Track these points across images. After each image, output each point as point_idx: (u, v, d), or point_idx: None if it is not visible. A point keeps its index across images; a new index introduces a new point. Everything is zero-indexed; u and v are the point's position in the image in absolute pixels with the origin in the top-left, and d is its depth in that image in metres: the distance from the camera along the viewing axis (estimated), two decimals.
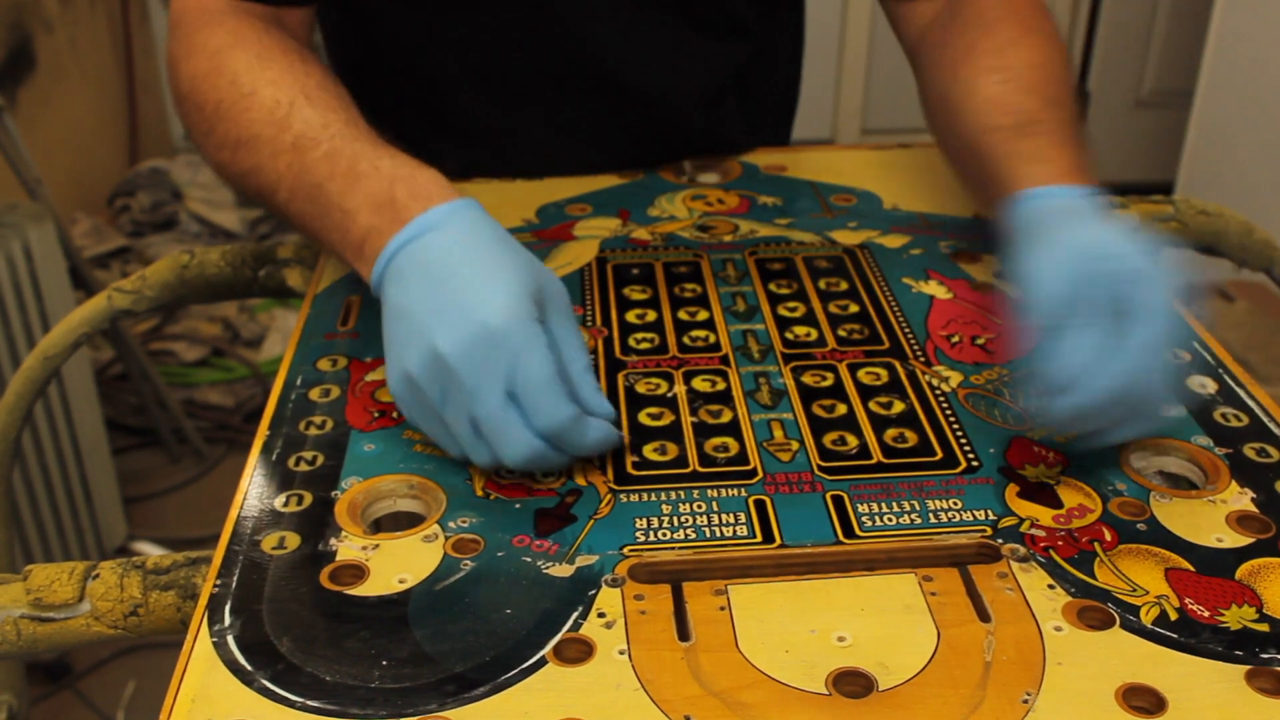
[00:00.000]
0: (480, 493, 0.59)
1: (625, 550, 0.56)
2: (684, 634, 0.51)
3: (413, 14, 0.88)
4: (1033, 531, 0.57)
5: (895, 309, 0.76)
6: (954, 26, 0.82)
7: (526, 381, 0.56)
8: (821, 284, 0.79)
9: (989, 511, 0.58)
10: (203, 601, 0.53)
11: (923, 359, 0.71)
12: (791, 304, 0.77)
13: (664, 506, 0.59)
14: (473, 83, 0.91)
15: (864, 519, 0.58)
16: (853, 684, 0.48)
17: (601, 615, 0.52)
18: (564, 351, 0.60)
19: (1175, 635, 0.51)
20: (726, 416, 0.66)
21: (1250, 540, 0.56)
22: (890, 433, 0.64)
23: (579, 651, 0.50)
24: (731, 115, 0.97)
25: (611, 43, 0.89)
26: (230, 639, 0.50)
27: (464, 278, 0.59)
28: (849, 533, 0.57)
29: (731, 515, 0.58)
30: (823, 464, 0.61)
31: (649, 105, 0.93)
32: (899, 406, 0.66)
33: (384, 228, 0.63)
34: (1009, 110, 0.73)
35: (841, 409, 0.66)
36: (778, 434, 0.64)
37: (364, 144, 0.67)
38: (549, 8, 0.86)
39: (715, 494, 0.60)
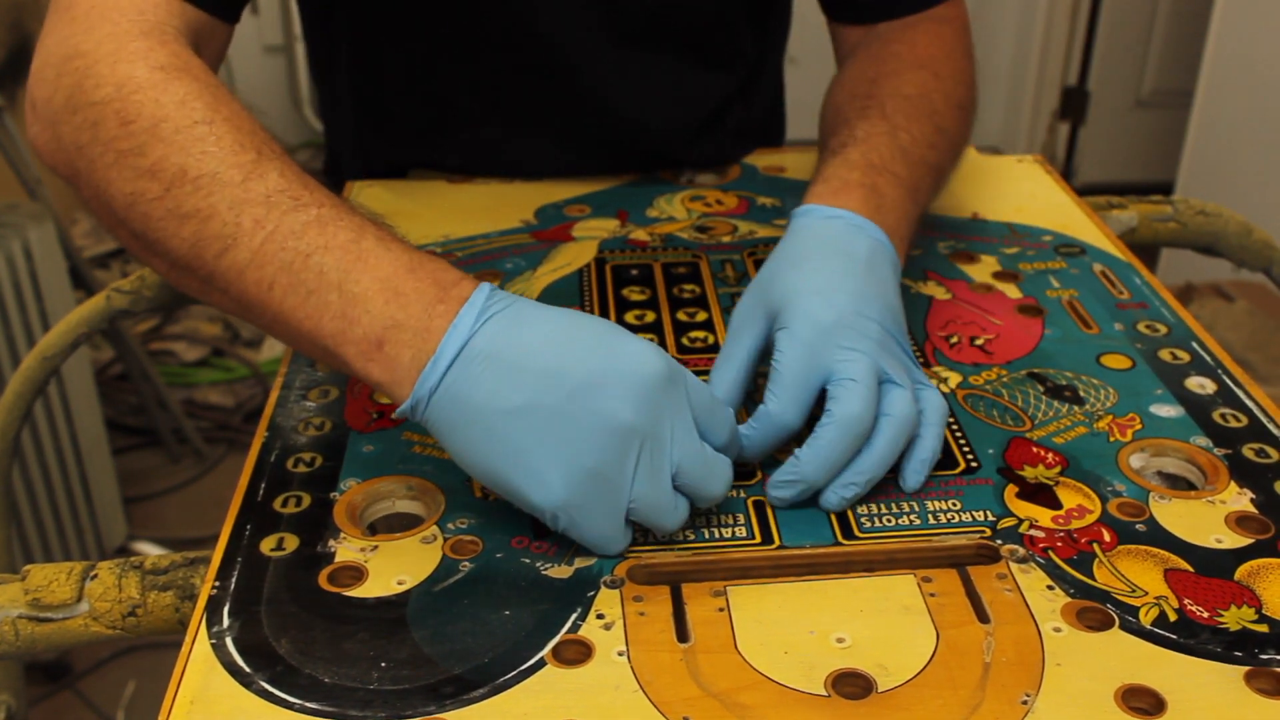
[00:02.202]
0: (479, 494, 0.59)
1: (624, 551, 0.56)
2: (683, 635, 0.51)
3: (417, 49, 0.88)
4: (1032, 532, 0.57)
5: None
6: (862, 54, 0.84)
7: (701, 404, 0.55)
8: None
9: (988, 512, 0.58)
10: (201, 603, 0.53)
11: (921, 360, 0.71)
12: None
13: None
14: (477, 110, 0.91)
15: (863, 520, 0.58)
16: (852, 685, 0.48)
17: (600, 617, 0.52)
18: None
19: (1174, 636, 0.50)
20: None
21: (1249, 541, 0.56)
22: None
23: (578, 653, 0.50)
24: (727, 135, 0.97)
25: (613, 80, 0.89)
26: (229, 640, 0.50)
27: (592, 345, 0.53)
28: (848, 534, 0.57)
29: (730, 516, 0.58)
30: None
31: (651, 136, 0.93)
32: None
33: (413, 324, 0.53)
34: (843, 133, 0.74)
35: None
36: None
37: (360, 217, 0.57)
38: (552, 49, 0.87)
39: None
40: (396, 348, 0.53)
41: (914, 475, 0.59)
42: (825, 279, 0.62)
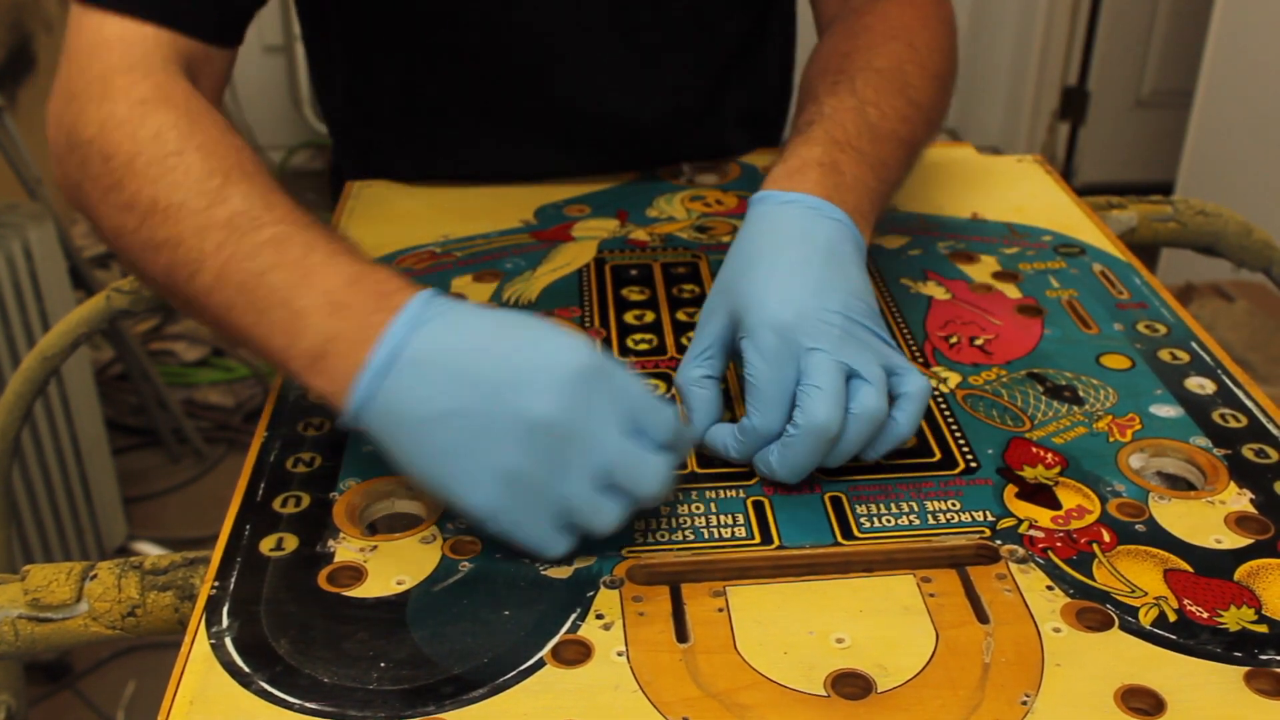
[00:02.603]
0: None
1: (623, 551, 0.56)
2: (682, 635, 0.51)
3: (409, 62, 0.89)
4: (1031, 533, 0.57)
5: (893, 310, 0.76)
6: (838, 28, 0.83)
7: (635, 403, 0.54)
8: None
9: (987, 513, 0.58)
10: (200, 603, 0.53)
11: (921, 360, 0.71)
12: None
13: (662, 508, 0.59)
14: (471, 119, 0.91)
15: (862, 520, 0.58)
16: (851, 685, 0.48)
17: (600, 617, 0.52)
18: None
19: (1174, 636, 0.50)
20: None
21: (1249, 541, 0.56)
22: None
23: (577, 653, 0.50)
24: (726, 124, 0.97)
25: (601, 74, 0.89)
26: (228, 641, 0.50)
27: (512, 345, 0.54)
28: (847, 534, 0.57)
29: (730, 516, 0.58)
30: (821, 465, 0.61)
31: (646, 127, 0.93)
32: None
33: (350, 336, 0.54)
34: (810, 110, 0.73)
35: None
36: None
37: (315, 232, 0.58)
38: (539, 47, 0.87)
39: (713, 495, 0.60)
40: (335, 359, 0.54)
41: (873, 451, 0.60)
42: (782, 276, 0.61)
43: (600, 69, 0.88)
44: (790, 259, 0.62)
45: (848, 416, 0.58)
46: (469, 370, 0.53)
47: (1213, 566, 0.54)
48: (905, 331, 0.74)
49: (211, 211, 0.58)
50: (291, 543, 0.56)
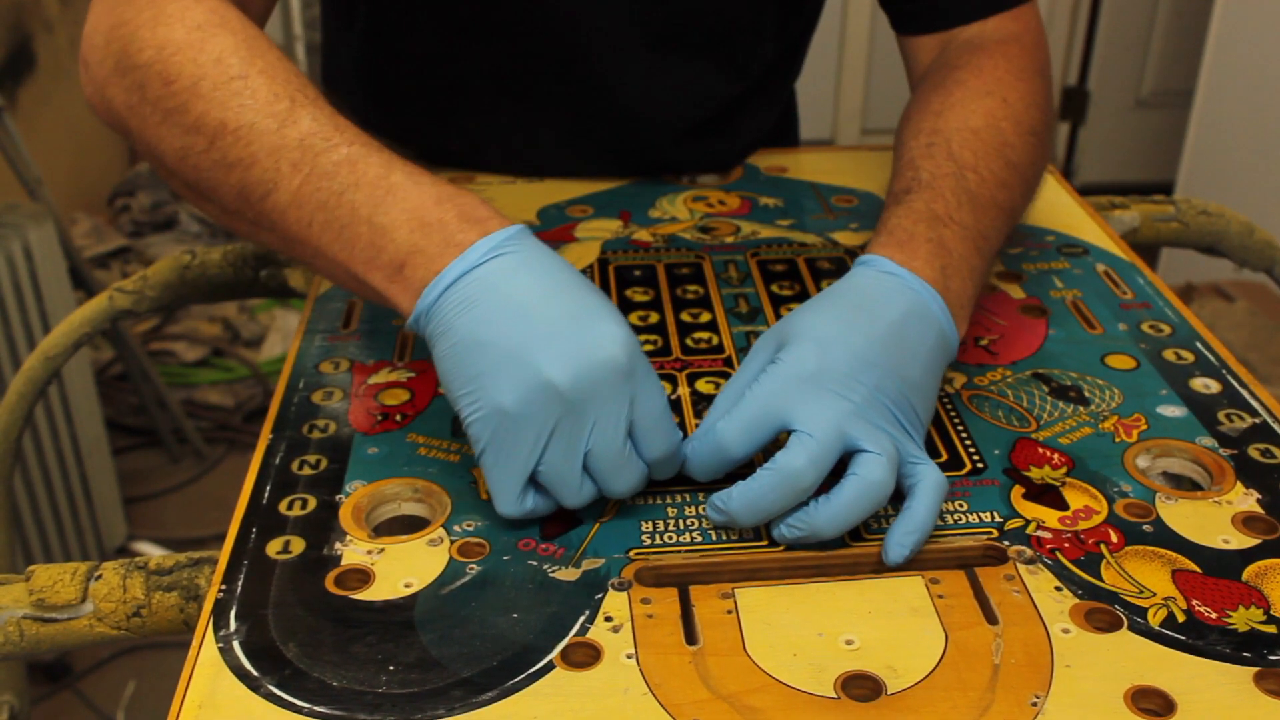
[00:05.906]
0: (485, 496, 0.59)
1: (631, 554, 0.56)
2: (691, 637, 0.51)
3: (433, 28, 0.88)
4: (1039, 533, 0.57)
5: None
6: (929, 82, 0.80)
7: (647, 414, 0.55)
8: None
9: (995, 513, 0.58)
10: (208, 607, 0.52)
11: None
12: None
13: (669, 509, 0.59)
14: (487, 97, 0.91)
15: (870, 521, 0.58)
16: (861, 687, 0.48)
17: (608, 619, 0.52)
18: None
19: (1183, 637, 0.50)
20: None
21: (1257, 541, 0.56)
22: None
23: (586, 656, 0.50)
24: (739, 145, 0.97)
25: (629, 78, 0.88)
26: (236, 644, 0.50)
27: (566, 309, 0.55)
28: (855, 535, 0.57)
29: None
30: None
31: (662, 137, 0.93)
32: None
33: (433, 250, 0.57)
34: (907, 175, 0.70)
35: None
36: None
37: (387, 153, 0.60)
38: (571, 42, 0.86)
39: None
40: (414, 270, 0.57)
41: (897, 547, 0.54)
42: (836, 330, 0.59)
43: (626, 69, 0.88)
44: (853, 321, 0.60)
45: (850, 478, 0.55)
46: (517, 315, 0.55)
47: (1221, 567, 0.54)
48: None
49: (283, 132, 0.60)
50: (298, 545, 0.56)
